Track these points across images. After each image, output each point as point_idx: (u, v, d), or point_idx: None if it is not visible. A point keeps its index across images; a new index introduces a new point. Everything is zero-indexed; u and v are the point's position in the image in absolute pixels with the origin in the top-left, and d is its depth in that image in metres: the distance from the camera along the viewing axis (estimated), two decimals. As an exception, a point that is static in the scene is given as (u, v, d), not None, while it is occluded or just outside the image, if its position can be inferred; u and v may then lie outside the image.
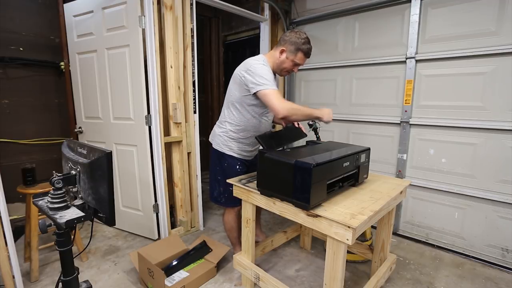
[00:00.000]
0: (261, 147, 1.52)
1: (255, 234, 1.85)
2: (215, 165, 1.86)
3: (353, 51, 2.64)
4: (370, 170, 1.68)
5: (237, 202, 1.82)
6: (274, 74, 1.75)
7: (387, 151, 2.51)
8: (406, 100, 2.32)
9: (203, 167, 2.61)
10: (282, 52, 1.67)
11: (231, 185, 1.69)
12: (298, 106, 1.57)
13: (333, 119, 1.64)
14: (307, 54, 1.67)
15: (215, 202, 1.92)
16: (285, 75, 1.80)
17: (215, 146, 1.85)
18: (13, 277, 1.55)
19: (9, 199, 1.71)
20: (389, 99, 2.45)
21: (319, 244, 2.30)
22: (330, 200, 1.34)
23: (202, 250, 1.97)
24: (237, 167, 1.82)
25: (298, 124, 1.82)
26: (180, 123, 2.34)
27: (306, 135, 1.77)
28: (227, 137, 1.79)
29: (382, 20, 2.42)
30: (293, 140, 1.67)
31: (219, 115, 1.87)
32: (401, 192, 1.56)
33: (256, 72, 1.56)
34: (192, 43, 2.34)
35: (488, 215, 2.07)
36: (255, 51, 3.33)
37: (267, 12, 2.99)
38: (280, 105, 1.48)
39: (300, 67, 1.78)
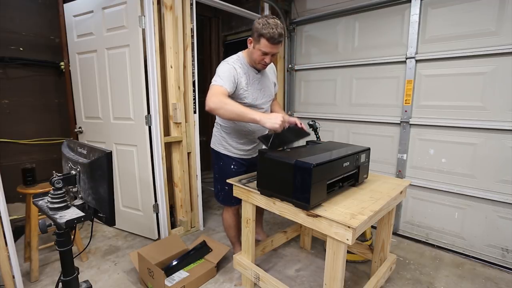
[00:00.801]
0: (261, 147, 1.51)
1: (256, 232, 1.85)
2: (214, 164, 1.92)
3: (353, 51, 2.64)
4: (370, 170, 1.68)
5: (234, 202, 1.84)
6: (258, 70, 1.72)
7: (387, 151, 2.51)
8: (406, 100, 2.32)
9: (203, 167, 2.61)
10: (250, 42, 1.59)
11: (228, 184, 1.70)
12: (233, 103, 1.43)
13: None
14: (270, 39, 1.46)
15: (216, 198, 1.97)
16: (260, 67, 1.67)
17: (212, 145, 1.91)
18: (13, 277, 1.55)
19: (9, 199, 1.72)
20: (389, 99, 2.45)
21: (319, 244, 2.30)
22: (330, 200, 1.34)
23: (202, 250, 1.97)
24: (232, 166, 1.83)
25: (300, 123, 1.81)
26: (180, 123, 2.34)
27: (309, 134, 1.76)
28: (221, 136, 1.83)
29: (382, 20, 2.42)
30: (295, 139, 1.65)
31: None
32: (401, 192, 1.56)
33: (217, 70, 1.61)
34: (192, 43, 2.34)
35: (488, 215, 2.07)
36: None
37: (267, 12, 2.99)
38: (210, 99, 1.44)
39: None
